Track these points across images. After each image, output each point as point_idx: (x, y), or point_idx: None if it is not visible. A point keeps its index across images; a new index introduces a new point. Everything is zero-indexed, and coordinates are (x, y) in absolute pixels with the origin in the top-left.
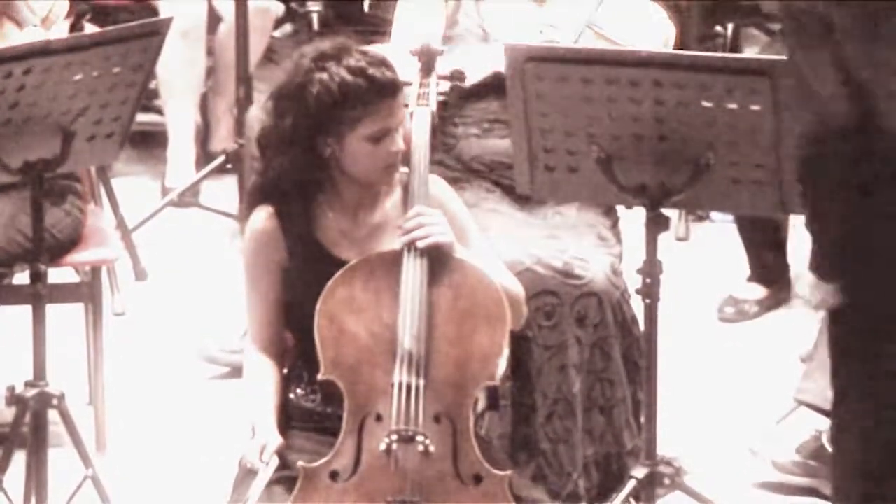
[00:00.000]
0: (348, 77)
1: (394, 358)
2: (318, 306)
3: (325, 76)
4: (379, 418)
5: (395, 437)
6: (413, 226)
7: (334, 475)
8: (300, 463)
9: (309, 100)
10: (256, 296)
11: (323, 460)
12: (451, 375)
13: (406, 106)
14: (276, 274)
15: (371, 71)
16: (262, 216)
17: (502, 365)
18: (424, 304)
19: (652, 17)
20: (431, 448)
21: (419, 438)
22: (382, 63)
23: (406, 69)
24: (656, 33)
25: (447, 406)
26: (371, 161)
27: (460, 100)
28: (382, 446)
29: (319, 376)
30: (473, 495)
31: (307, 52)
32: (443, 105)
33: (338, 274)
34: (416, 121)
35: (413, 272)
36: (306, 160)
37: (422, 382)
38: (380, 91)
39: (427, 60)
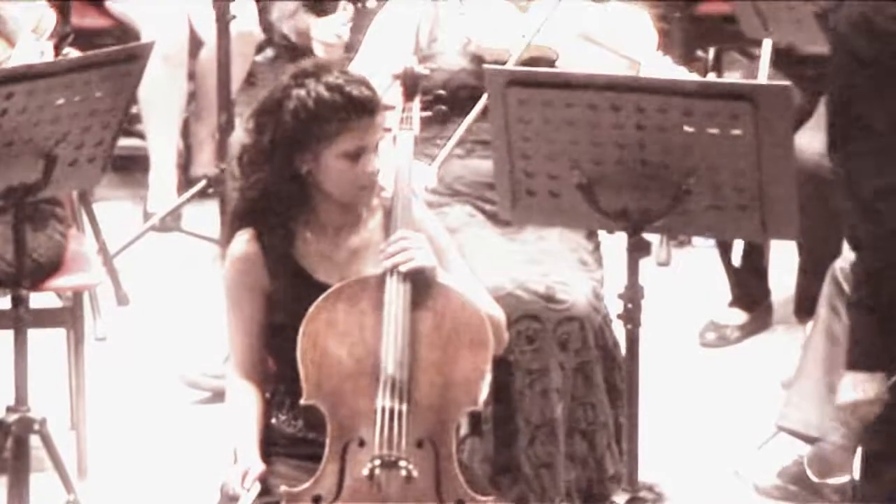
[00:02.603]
0: (325, 93)
1: (377, 383)
2: (300, 330)
3: (302, 92)
4: (362, 443)
5: (378, 461)
6: (396, 249)
7: (317, 500)
8: (283, 487)
9: (286, 115)
10: (238, 321)
11: (306, 484)
12: (434, 400)
13: (389, 129)
14: (258, 298)
15: (348, 88)
16: (243, 240)
17: (485, 390)
18: (407, 329)
19: (641, 21)
20: (415, 473)
21: (402, 464)
22: (361, 82)
23: (388, 93)
24: (649, 38)
25: (430, 431)
26: (347, 180)
27: (443, 121)
28: (365, 471)
29: (302, 401)
30: None
31: (289, 69)
32: (425, 125)
33: (320, 298)
34: (399, 144)
35: (396, 296)
36: (284, 177)
37: (405, 407)
38: (356, 108)
39: (410, 84)
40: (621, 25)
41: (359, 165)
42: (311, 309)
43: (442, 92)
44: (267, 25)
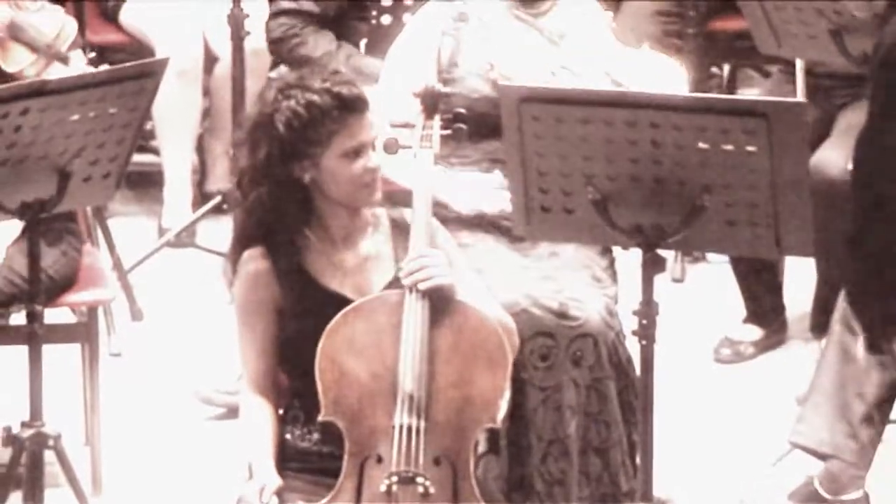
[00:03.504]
0: (315, 98)
1: (395, 399)
2: (319, 347)
3: (291, 102)
4: (379, 460)
5: (395, 478)
6: (415, 267)
7: None
8: (300, 503)
9: (279, 127)
10: (251, 338)
11: (323, 501)
12: (451, 418)
13: (409, 147)
14: (271, 315)
15: (336, 89)
16: (253, 257)
17: (503, 407)
18: (426, 346)
19: (674, 73)
20: (432, 490)
21: (419, 480)
22: (347, 81)
23: (408, 111)
24: (678, 90)
25: (448, 448)
26: (350, 180)
27: (460, 140)
28: (383, 487)
29: (320, 417)
30: None
31: (273, 84)
32: (445, 143)
33: (339, 315)
34: (419, 163)
35: (415, 314)
36: (285, 189)
37: (422, 424)
38: (347, 106)
39: (430, 102)
40: (652, 74)
41: (359, 163)
42: (330, 325)
43: (462, 110)
44: (301, 59)
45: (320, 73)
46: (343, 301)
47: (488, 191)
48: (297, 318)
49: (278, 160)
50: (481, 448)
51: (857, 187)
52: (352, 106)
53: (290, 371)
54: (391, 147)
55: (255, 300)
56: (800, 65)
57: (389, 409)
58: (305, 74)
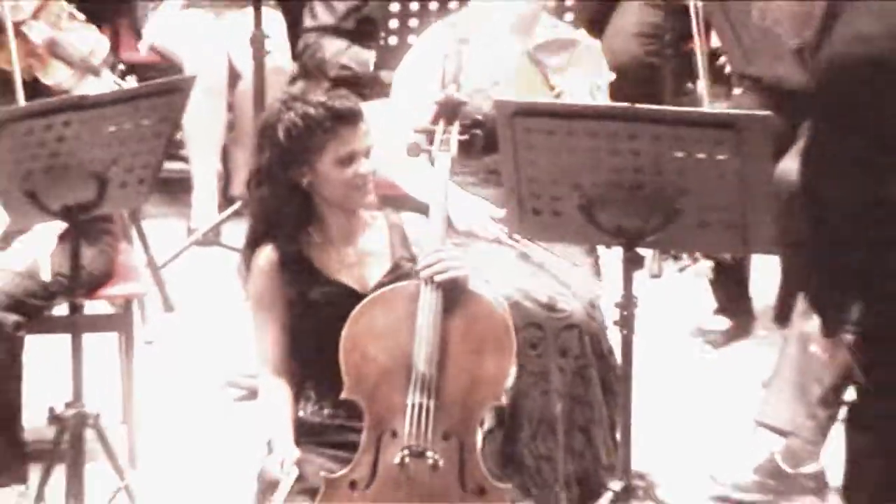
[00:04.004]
0: (310, 110)
1: (409, 380)
2: (343, 332)
3: (291, 114)
4: (394, 434)
5: (407, 451)
6: (432, 260)
7: (353, 485)
8: (322, 473)
9: (280, 135)
10: (266, 327)
11: (344, 471)
12: (459, 397)
13: (429, 151)
14: (283, 305)
15: (331, 102)
16: (264, 254)
17: (508, 385)
18: (438, 332)
19: None
20: (441, 462)
21: (429, 454)
22: (343, 95)
23: (422, 121)
24: None
25: (456, 425)
26: (343, 184)
27: (477, 146)
28: (396, 460)
29: (343, 395)
30: None
31: (279, 96)
32: (464, 149)
33: (361, 304)
34: (436, 165)
35: (429, 303)
36: (286, 191)
37: (433, 403)
38: (339, 118)
39: (451, 109)
40: None
41: (351, 169)
42: (353, 314)
43: (479, 117)
44: (319, 62)
45: (322, 88)
46: (347, 289)
47: (486, 218)
48: (307, 307)
49: (279, 165)
50: (488, 424)
51: (804, 195)
52: (344, 118)
53: (302, 357)
54: (413, 150)
55: (269, 292)
56: (703, 77)
57: (404, 389)
58: (309, 89)
